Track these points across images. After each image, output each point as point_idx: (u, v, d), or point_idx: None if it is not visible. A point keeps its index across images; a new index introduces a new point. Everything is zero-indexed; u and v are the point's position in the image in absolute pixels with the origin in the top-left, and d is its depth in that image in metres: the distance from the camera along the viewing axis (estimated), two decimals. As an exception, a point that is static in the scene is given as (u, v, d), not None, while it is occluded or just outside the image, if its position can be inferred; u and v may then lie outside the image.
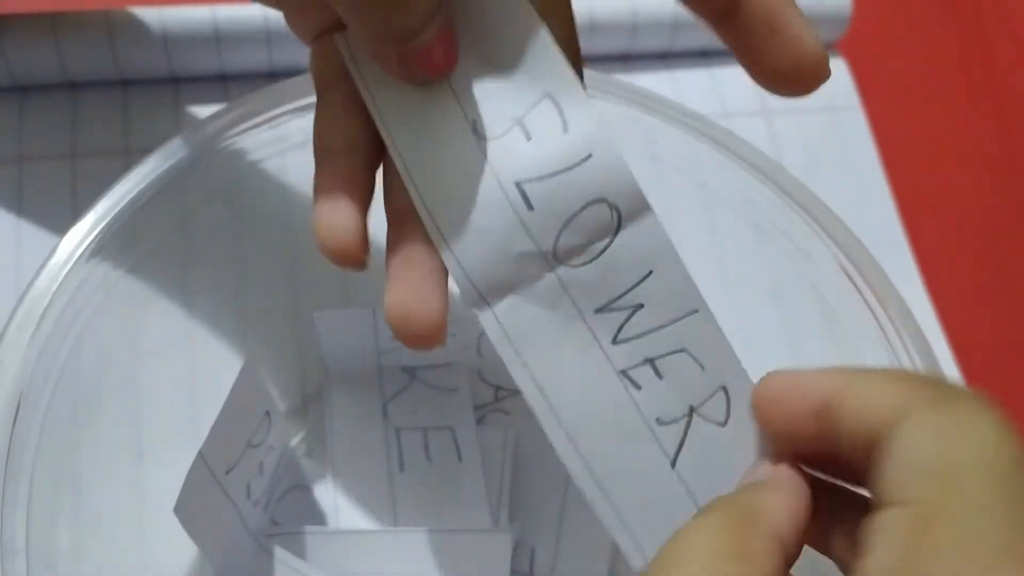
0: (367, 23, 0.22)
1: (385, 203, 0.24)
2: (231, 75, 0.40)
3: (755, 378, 0.23)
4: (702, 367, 0.23)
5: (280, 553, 0.29)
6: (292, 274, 0.35)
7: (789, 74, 0.24)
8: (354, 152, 0.24)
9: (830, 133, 0.44)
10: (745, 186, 0.32)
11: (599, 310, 0.23)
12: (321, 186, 0.23)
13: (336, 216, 0.23)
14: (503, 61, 0.23)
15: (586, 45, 0.44)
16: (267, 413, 0.29)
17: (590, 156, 0.22)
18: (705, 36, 0.44)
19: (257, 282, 0.34)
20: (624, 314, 0.23)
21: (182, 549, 0.28)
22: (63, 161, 0.38)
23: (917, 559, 0.18)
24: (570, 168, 0.22)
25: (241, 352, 0.33)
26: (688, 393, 0.23)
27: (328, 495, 0.32)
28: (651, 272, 0.23)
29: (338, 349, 0.33)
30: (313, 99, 0.25)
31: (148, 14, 0.38)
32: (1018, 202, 0.45)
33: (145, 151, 0.30)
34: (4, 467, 0.25)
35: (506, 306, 0.23)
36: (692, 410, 0.23)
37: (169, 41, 0.38)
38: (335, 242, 0.23)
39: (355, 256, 0.23)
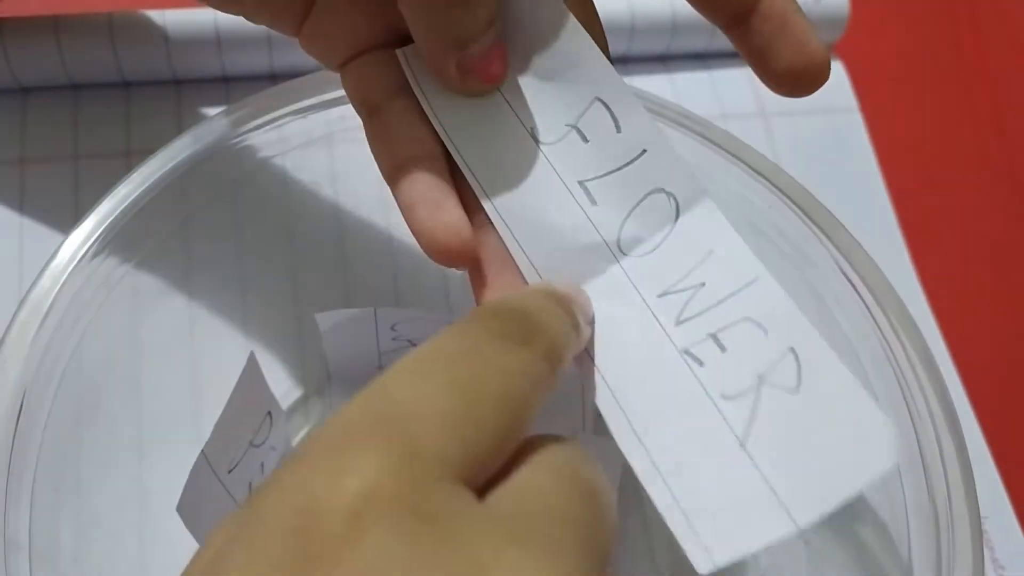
0: (434, 24, 0.23)
1: None
2: (232, 77, 0.40)
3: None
4: (766, 332, 0.22)
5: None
6: (294, 274, 0.35)
7: (798, 74, 0.25)
8: (436, 158, 0.25)
9: (827, 135, 0.44)
10: (743, 187, 0.32)
11: (661, 295, 0.23)
12: (419, 193, 0.24)
13: (448, 218, 0.24)
14: (551, 69, 0.25)
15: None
16: (269, 413, 0.29)
17: (644, 151, 0.24)
18: (703, 38, 0.44)
19: (259, 283, 0.35)
20: (687, 295, 0.23)
21: (184, 548, 0.28)
22: (65, 163, 0.38)
23: None
24: (627, 164, 0.24)
25: (243, 352, 0.33)
26: (754, 361, 0.21)
27: (329, 494, 0.32)
28: (712, 252, 0.23)
29: (340, 349, 0.33)
30: (314, 100, 0.25)
31: (150, 16, 0.38)
32: (1015, 203, 0.45)
33: (147, 152, 0.30)
34: (7, 466, 0.25)
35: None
36: (761, 379, 0.21)
37: (171, 43, 0.38)
38: (455, 243, 0.24)
39: (472, 254, 0.24)
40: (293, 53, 0.40)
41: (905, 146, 0.45)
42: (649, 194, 0.24)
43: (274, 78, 0.41)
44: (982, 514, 0.27)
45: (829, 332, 0.31)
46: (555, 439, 0.19)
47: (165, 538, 0.28)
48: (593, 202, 0.24)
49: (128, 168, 0.30)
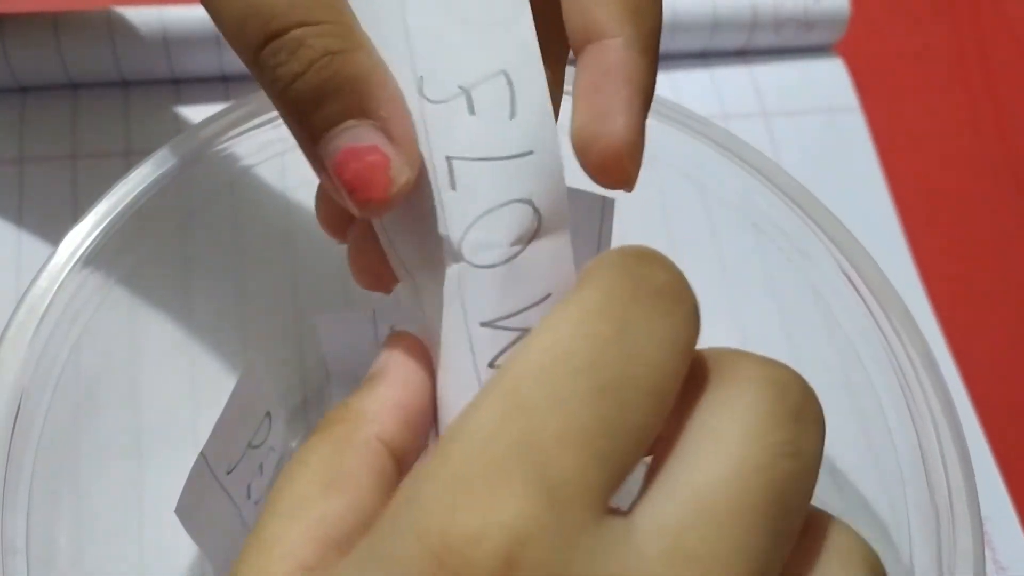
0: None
1: None
2: (232, 76, 0.40)
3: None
4: None
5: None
6: (293, 276, 0.35)
7: (584, 149, 0.20)
8: None
9: (829, 134, 0.44)
10: (744, 187, 0.32)
11: (485, 324, 0.20)
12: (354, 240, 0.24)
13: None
14: (470, 16, 0.21)
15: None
16: (268, 414, 0.29)
17: (531, 152, 0.20)
18: (704, 37, 0.44)
19: (258, 284, 0.34)
20: (510, 337, 0.20)
21: (182, 549, 0.28)
22: (64, 162, 0.38)
23: None
24: (506, 158, 0.20)
25: (242, 353, 0.33)
26: None
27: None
28: (548, 296, 0.20)
29: (339, 351, 0.33)
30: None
31: (149, 14, 0.38)
32: (1017, 201, 0.45)
33: (146, 152, 0.30)
34: (4, 468, 0.25)
35: (417, 284, 0.21)
36: None
37: (170, 42, 0.38)
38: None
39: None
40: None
41: (907, 145, 0.45)
42: (515, 202, 0.20)
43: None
44: (983, 515, 0.27)
45: (830, 332, 0.31)
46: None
47: (163, 540, 0.28)
48: (452, 186, 0.20)
49: (127, 167, 0.30)
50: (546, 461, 0.15)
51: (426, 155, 0.21)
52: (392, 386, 0.21)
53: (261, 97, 0.31)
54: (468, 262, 0.20)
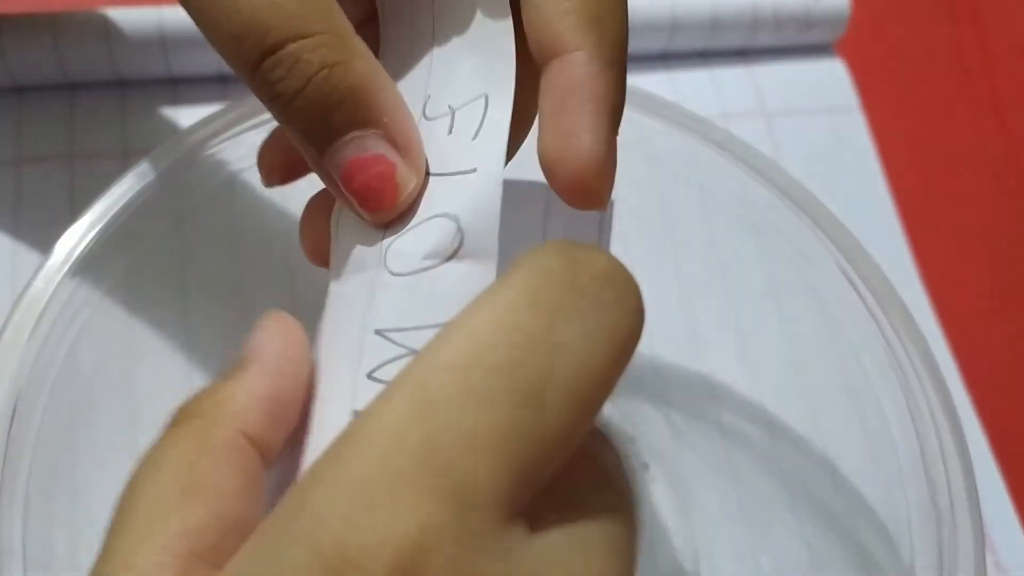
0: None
1: None
2: (229, 76, 0.40)
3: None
4: None
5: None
6: (290, 275, 0.35)
7: (551, 170, 0.19)
8: None
9: (829, 134, 0.44)
10: (744, 187, 0.32)
11: (379, 331, 0.20)
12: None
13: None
14: (473, 39, 0.22)
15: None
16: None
17: (474, 170, 0.20)
18: (704, 36, 0.44)
19: (255, 283, 0.34)
20: (396, 352, 0.20)
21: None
22: (61, 162, 0.38)
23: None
24: (450, 174, 0.21)
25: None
26: None
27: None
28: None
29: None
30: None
31: (146, 14, 0.38)
32: (1018, 202, 0.45)
33: (143, 152, 0.30)
34: (1, 469, 0.25)
35: (340, 278, 0.21)
36: None
37: (167, 41, 0.38)
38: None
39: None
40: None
41: (907, 145, 0.45)
42: (441, 216, 0.20)
43: (272, 77, 0.40)
44: (984, 517, 0.27)
45: (830, 333, 0.31)
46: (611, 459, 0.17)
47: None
48: None
49: (124, 167, 0.30)
50: (451, 467, 0.14)
51: None
52: (261, 374, 0.19)
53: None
54: (387, 268, 0.20)
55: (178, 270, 0.32)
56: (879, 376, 0.29)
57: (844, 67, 0.45)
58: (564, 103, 0.19)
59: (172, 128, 0.39)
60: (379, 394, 0.15)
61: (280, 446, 0.19)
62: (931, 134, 0.46)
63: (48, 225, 0.36)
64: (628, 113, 0.34)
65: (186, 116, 0.39)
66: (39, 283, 0.27)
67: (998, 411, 0.39)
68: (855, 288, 0.30)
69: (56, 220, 0.36)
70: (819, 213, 0.31)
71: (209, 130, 0.30)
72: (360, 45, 0.21)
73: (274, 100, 0.20)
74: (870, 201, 0.43)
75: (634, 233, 0.35)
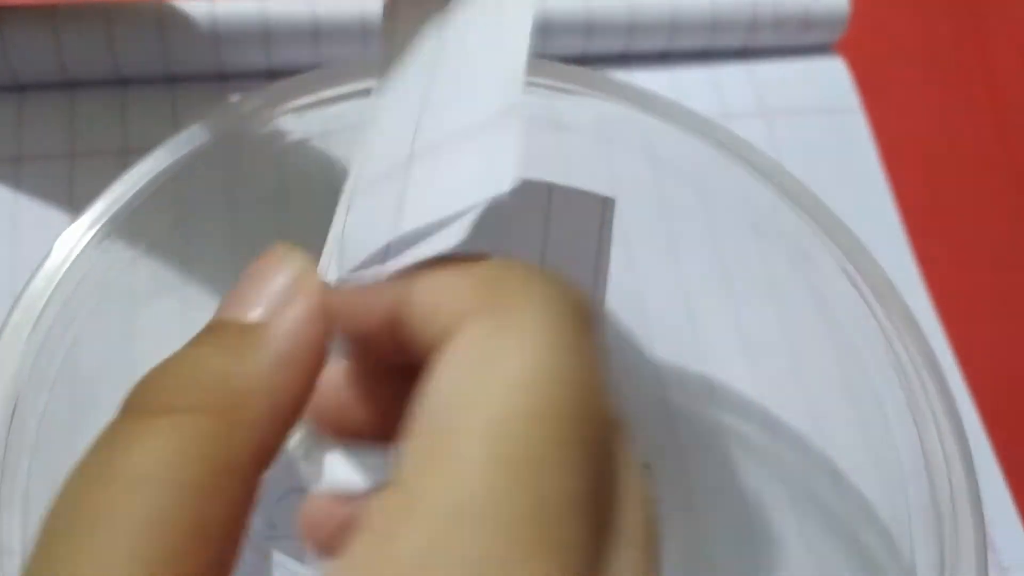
0: None
1: None
2: (230, 74, 0.40)
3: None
4: None
5: (278, 557, 0.28)
6: (290, 275, 0.35)
7: None
8: None
9: (830, 134, 0.44)
10: (744, 187, 0.32)
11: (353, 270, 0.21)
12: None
13: None
14: (476, 74, 0.21)
15: (584, 45, 0.44)
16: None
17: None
18: (704, 36, 0.44)
19: (255, 283, 0.34)
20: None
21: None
22: (61, 160, 0.38)
23: None
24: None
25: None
26: None
27: (326, 497, 0.32)
28: None
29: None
30: (312, 98, 0.25)
31: (147, 10, 0.38)
32: (1020, 202, 0.45)
33: (143, 150, 0.30)
34: (0, 469, 0.25)
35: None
36: None
37: (168, 39, 0.38)
38: None
39: None
40: (291, 50, 0.39)
41: (908, 145, 0.45)
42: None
43: (271, 75, 0.40)
44: (986, 517, 0.27)
45: (831, 333, 0.31)
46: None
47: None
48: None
49: (124, 166, 0.30)
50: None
51: (399, 192, 0.20)
52: (296, 379, 0.17)
53: (258, 96, 0.31)
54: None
55: (178, 268, 0.32)
56: (880, 376, 0.29)
57: (844, 66, 0.45)
58: None
59: (172, 126, 0.39)
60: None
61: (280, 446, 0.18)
62: (932, 133, 0.46)
63: (48, 223, 0.36)
64: (628, 111, 0.34)
65: (186, 115, 0.39)
66: (39, 281, 0.27)
67: (1000, 411, 0.39)
68: (856, 287, 0.30)
69: (56, 218, 0.36)
70: (820, 212, 0.31)
71: (208, 128, 0.30)
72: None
73: None
74: (870, 201, 0.43)
75: (634, 233, 0.35)
